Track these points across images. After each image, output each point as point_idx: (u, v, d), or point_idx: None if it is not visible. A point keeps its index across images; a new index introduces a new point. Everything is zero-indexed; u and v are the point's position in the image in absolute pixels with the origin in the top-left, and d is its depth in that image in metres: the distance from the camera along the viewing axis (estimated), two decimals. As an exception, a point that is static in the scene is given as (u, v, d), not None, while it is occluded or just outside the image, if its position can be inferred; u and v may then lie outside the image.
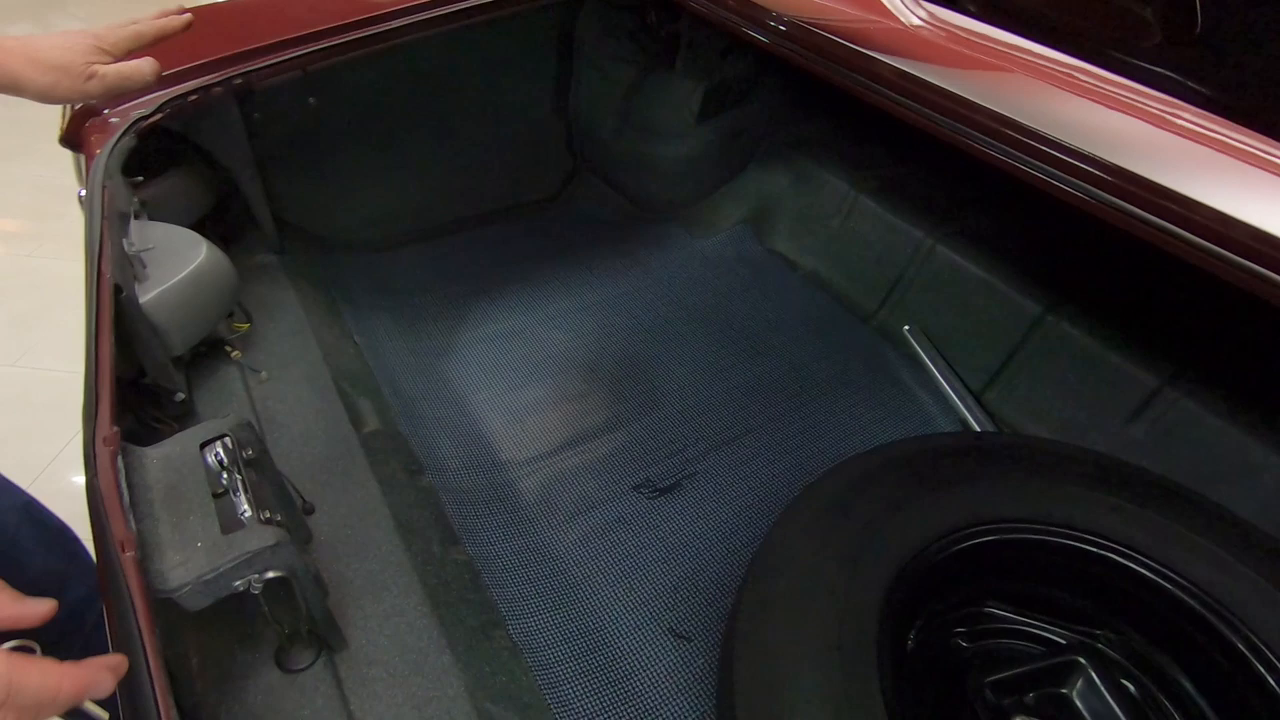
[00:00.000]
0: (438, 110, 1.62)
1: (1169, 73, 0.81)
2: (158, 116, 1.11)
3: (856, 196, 1.63)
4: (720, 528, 1.14)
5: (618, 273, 1.66)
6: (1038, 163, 0.86)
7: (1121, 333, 1.23)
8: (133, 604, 0.58)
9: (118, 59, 0.86)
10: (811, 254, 1.68)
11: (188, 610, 0.66)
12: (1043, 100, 0.89)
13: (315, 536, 0.91)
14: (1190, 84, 0.79)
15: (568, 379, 1.38)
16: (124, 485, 0.68)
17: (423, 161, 1.67)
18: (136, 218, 1.06)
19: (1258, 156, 0.75)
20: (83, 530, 0.95)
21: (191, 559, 0.65)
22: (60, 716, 0.51)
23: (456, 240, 1.73)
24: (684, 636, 0.99)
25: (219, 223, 1.37)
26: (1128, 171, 0.77)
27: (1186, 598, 0.80)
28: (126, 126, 1.07)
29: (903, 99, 1.00)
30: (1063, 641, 0.89)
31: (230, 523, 0.69)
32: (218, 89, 1.20)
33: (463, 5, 1.41)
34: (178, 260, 1.01)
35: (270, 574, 0.68)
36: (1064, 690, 0.84)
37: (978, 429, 1.30)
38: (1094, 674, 0.83)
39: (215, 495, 0.71)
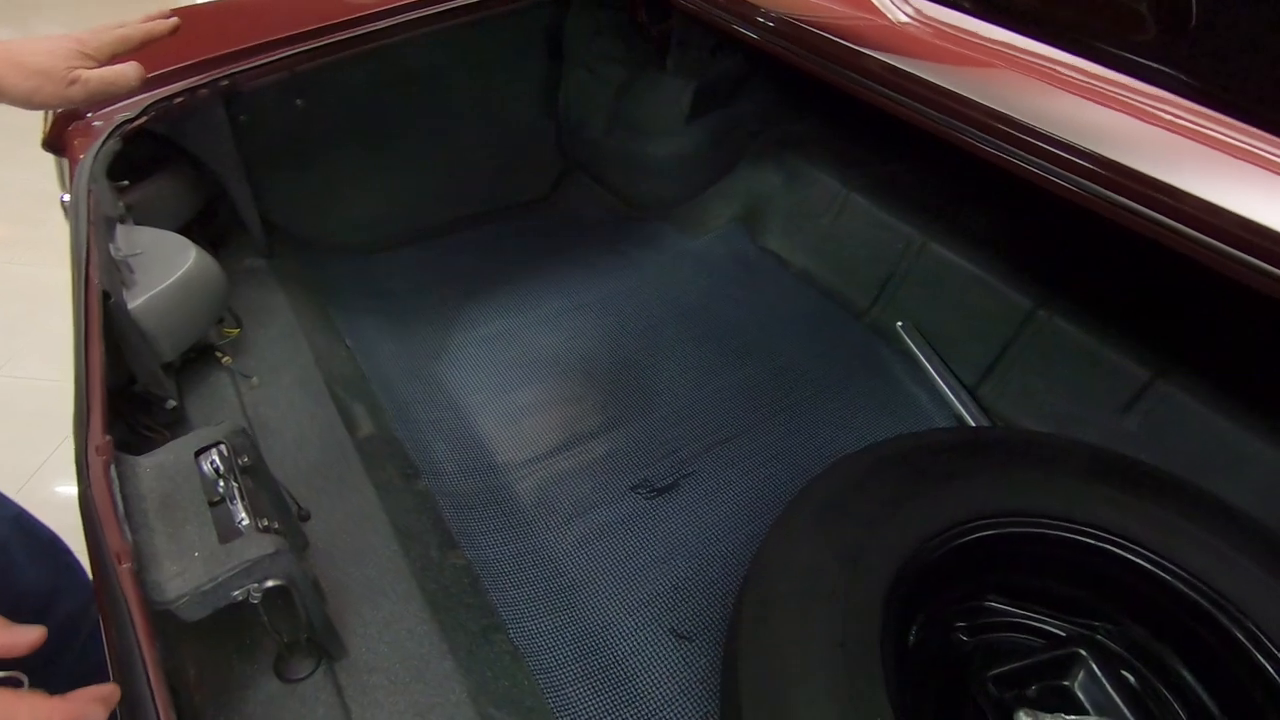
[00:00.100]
0: (426, 111, 1.61)
1: (1163, 67, 0.82)
2: (143, 119, 1.09)
3: (848, 194, 1.63)
4: (719, 526, 1.13)
5: (610, 273, 1.65)
6: (1028, 155, 0.86)
7: (1113, 326, 1.24)
8: (131, 617, 0.57)
9: (102, 63, 0.84)
10: (803, 252, 1.68)
11: (185, 621, 0.65)
12: (1029, 96, 0.90)
13: (311, 543, 0.90)
14: (1184, 78, 0.80)
15: (562, 380, 1.37)
16: (118, 495, 0.66)
17: (412, 163, 1.66)
18: (123, 222, 1.04)
19: (1243, 149, 0.76)
20: (73, 542, 0.93)
21: (189, 569, 0.64)
22: None
23: (447, 242, 1.72)
24: (686, 636, 0.99)
25: (206, 227, 1.36)
26: (1116, 163, 0.78)
27: (1185, 589, 0.80)
28: (111, 130, 1.05)
29: (891, 93, 1.00)
30: (1063, 634, 0.89)
31: (228, 531, 0.68)
32: (203, 91, 1.18)
33: (450, 5, 1.40)
34: (166, 265, 1.00)
35: (270, 583, 0.67)
36: (1065, 682, 0.84)
37: (973, 424, 1.31)
38: (1095, 666, 0.83)
39: (211, 504, 0.70)
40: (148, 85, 1.13)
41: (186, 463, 0.73)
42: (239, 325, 1.19)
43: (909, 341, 1.45)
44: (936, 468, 0.89)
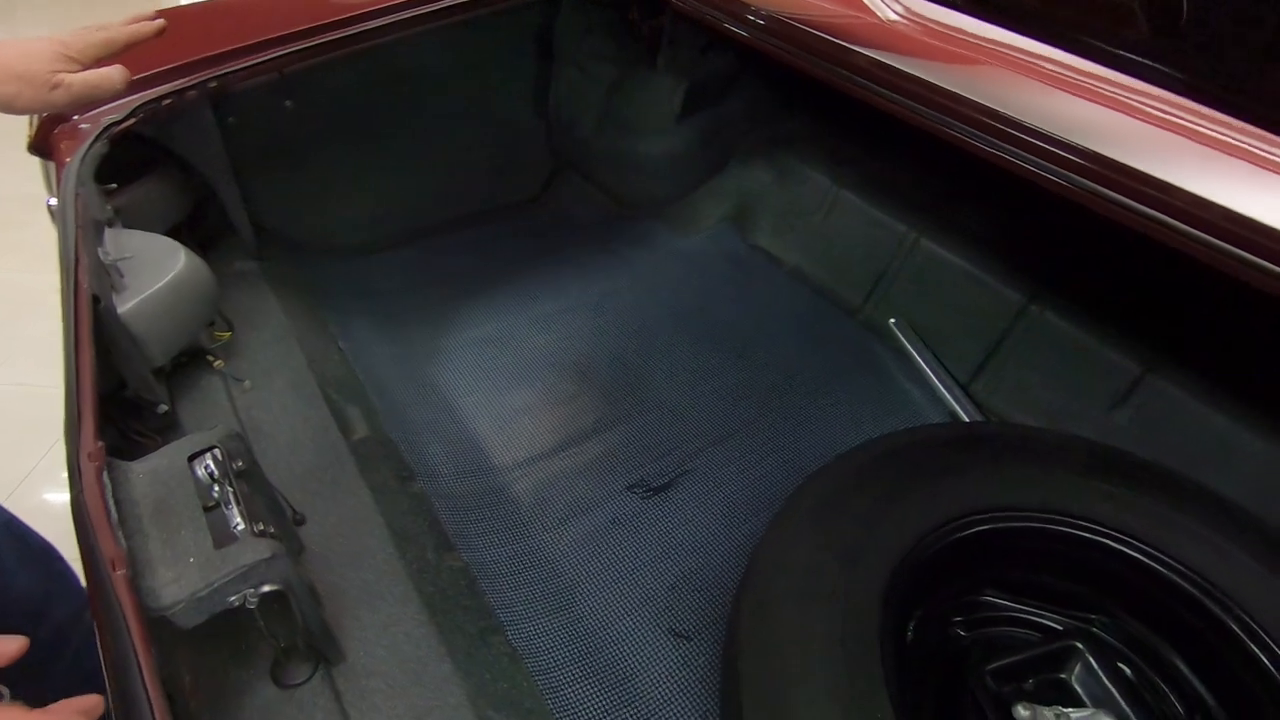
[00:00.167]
0: (416, 111, 1.60)
1: (1153, 63, 0.82)
2: (130, 122, 1.08)
3: (838, 191, 1.63)
4: (716, 525, 1.13)
5: (602, 273, 1.65)
6: (1018, 151, 0.87)
7: (1104, 321, 1.25)
8: (126, 624, 0.57)
9: (85, 66, 0.82)
10: (795, 250, 1.68)
11: (181, 628, 0.64)
12: (1019, 92, 0.90)
13: (307, 547, 0.89)
14: (1175, 73, 0.81)
15: (556, 381, 1.37)
16: (111, 501, 0.66)
17: (402, 164, 1.65)
18: (111, 226, 1.03)
19: (1232, 144, 0.77)
20: (66, 549, 0.92)
21: (184, 575, 0.64)
22: None
23: (439, 243, 1.71)
24: (684, 635, 0.99)
25: (196, 229, 1.35)
26: (1106, 158, 0.79)
27: (1179, 580, 0.81)
28: (98, 133, 1.04)
29: (881, 90, 1.00)
30: (1059, 628, 0.90)
31: (223, 536, 0.68)
32: (191, 93, 1.17)
33: (440, 4, 1.39)
34: (156, 269, 0.99)
35: (266, 588, 0.67)
36: (1062, 675, 0.85)
37: (966, 419, 1.31)
38: (1091, 659, 0.84)
39: (206, 509, 0.70)
40: (135, 87, 1.12)
41: (180, 467, 0.73)
42: (230, 328, 1.18)
43: (902, 338, 1.46)
44: (931, 464, 0.89)
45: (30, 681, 0.54)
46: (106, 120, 1.06)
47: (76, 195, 0.94)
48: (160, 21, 0.88)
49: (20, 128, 1.13)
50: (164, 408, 0.99)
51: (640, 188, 1.84)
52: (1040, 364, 1.30)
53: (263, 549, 0.66)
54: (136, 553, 0.64)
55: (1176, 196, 0.74)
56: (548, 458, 1.22)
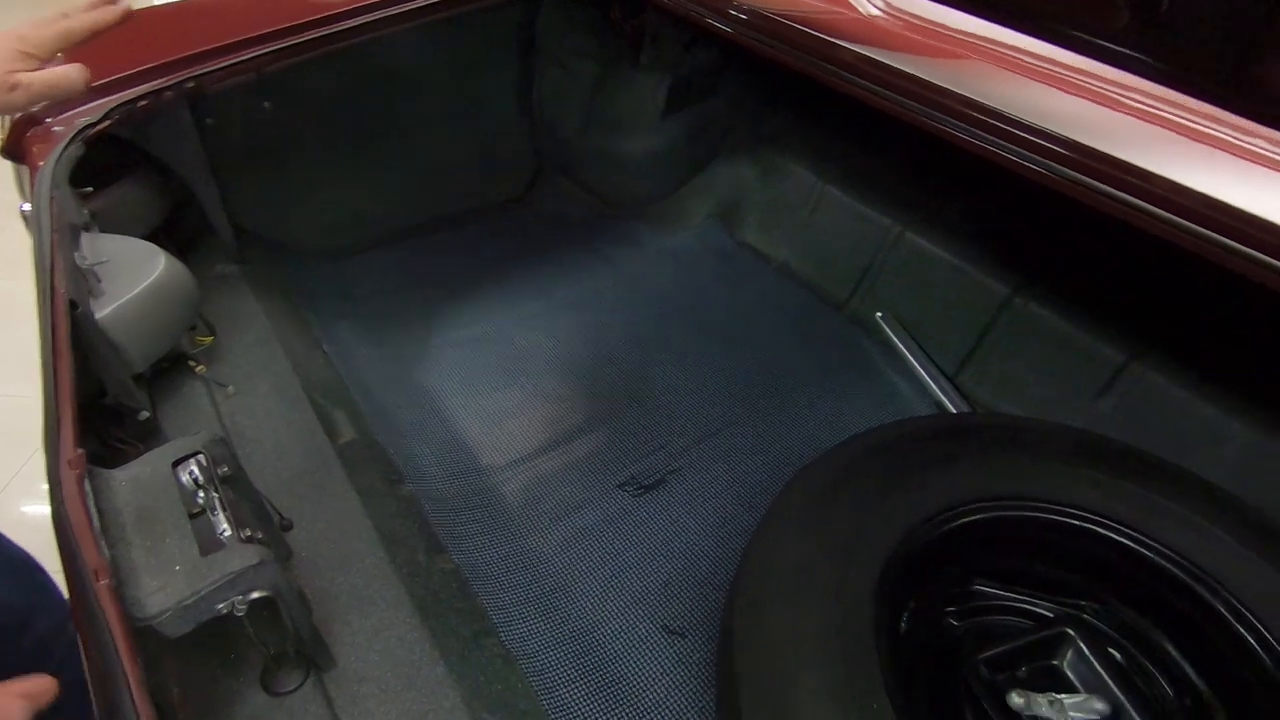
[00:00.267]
0: (398, 111, 1.59)
1: (1134, 53, 0.83)
2: (105, 124, 1.06)
3: (824, 187, 1.64)
4: (707, 521, 1.13)
5: (588, 271, 1.64)
6: (1001, 142, 0.87)
7: (1088, 311, 1.26)
8: (111, 635, 0.55)
9: (45, 61, 0.78)
10: (781, 246, 1.69)
11: (168, 638, 0.63)
12: (1001, 85, 0.91)
13: (295, 553, 0.88)
14: (1155, 63, 0.81)
15: (544, 380, 1.36)
16: (93, 509, 0.64)
17: (384, 164, 1.64)
18: (87, 230, 1.01)
19: (1206, 133, 0.78)
20: (47, 561, 0.90)
21: (170, 583, 0.63)
22: None
23: (422, 244, 1.70)
24: (678, 632, 0.99)
25: (174, 232, 1.33)
26: (1087, 146, 0.80)
27: (1167, 565, 0.82)
28: (72, 135, 1.02)
29: (864, 83, 1.01)
30: (1050, 615, 0.90)
31: (209, 543, 0.67)
32: (168, 93, 1.15)
33: (420, 3, 1.38)
34: (134, 273, 0.97)
35: (254, 594, 0.66)
36: (1054, 662, 0.85)
37: (953, 411, 1.32)
38: (1082, 645, 0.84)
39: (191, 515, 0.68)
40: (111, 88, 1.10)
41: (164, 474, 0.71)
42: (212, 333, 1.16)
43: (889, 331, 1.46)
44: (920, 456, 0.90)
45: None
46: (81, 122, 1.04)
47: (51, 199, 0.93)
48: (123, 6, 0.83)
49: (-9, 132, 1.11)
50: (145, 414, 0.97)
51: (625, 186, 1.83)
52: (1025, 354, 1.31)
53: (250, 555, 0.65)
54: (120, 561, 0.63)
55: (1157, 184, 0.75)
56: (537, 457, 1.22)
